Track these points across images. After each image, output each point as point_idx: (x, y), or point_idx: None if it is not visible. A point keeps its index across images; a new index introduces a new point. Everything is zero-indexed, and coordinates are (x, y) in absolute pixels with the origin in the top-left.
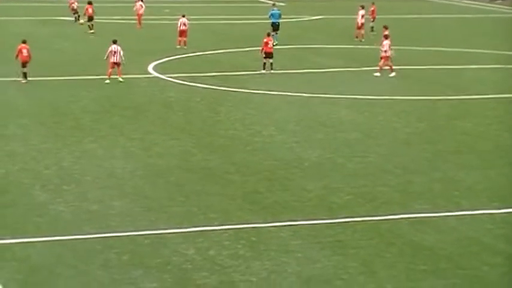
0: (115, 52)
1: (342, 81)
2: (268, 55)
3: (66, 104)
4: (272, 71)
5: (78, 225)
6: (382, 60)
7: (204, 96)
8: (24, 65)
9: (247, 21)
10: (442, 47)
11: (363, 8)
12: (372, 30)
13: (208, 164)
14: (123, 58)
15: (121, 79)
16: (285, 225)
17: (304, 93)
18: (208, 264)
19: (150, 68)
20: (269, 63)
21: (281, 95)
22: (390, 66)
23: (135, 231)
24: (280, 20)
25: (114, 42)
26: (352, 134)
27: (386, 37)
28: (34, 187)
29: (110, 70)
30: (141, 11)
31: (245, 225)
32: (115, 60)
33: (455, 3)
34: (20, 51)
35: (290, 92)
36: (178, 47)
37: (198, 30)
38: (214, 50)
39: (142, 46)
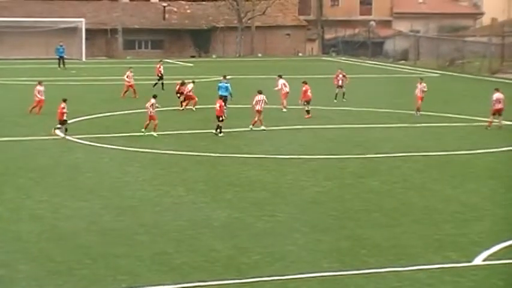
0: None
1: (251, 140)
2: (218, 118)
3: None
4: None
5: None
6: (258, 115)
7: (112, 157)
8: None
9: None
10: (349, 106)
11: (280, 77)
12: (343, 97)
13: (117, 226)
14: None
15: (155, 134)
16: (194, 286)
17: (213, 153)
18: None
19: (57, 130)
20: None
21: (190, 155)
22: (260, 120)
23: None
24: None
25: (154, 97)
26: (261, 193)
27: (260, 92)
28: None
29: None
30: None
31: (154, 287)
32: (151, 113)
33: (359, 63)
34: None
35: (199, 152)
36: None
37: (108, 91)
38: (124, 110)
39: (48, 107)
